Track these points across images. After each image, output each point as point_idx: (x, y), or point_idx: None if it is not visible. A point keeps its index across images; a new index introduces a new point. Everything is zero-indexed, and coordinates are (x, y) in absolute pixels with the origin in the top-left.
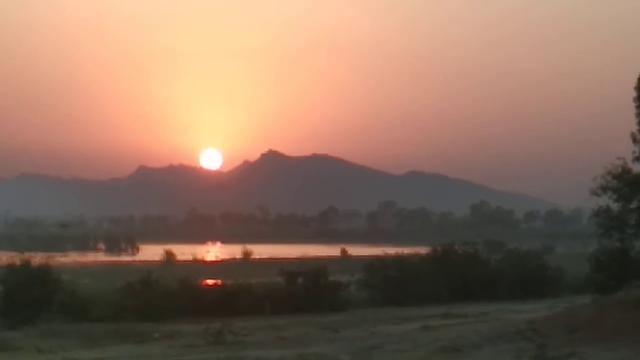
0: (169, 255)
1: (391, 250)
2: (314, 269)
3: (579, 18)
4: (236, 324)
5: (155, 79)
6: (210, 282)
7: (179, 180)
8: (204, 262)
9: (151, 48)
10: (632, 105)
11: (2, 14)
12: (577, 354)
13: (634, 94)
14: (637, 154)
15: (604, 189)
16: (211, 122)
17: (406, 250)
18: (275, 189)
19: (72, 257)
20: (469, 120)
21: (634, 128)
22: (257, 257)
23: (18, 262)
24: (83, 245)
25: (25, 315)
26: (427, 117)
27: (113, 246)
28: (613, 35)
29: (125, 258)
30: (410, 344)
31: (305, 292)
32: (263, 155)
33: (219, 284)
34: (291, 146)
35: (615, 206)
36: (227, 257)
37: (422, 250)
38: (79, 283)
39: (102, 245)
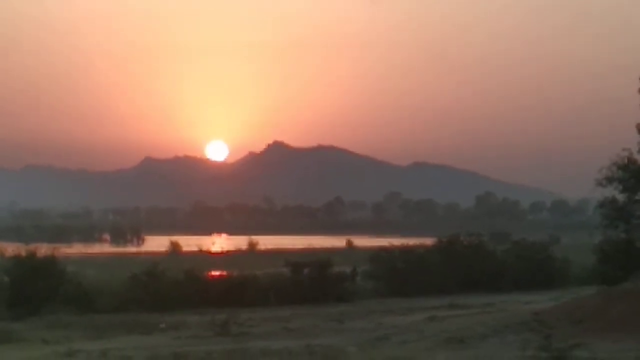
0: (175, 246)
1: (397, 242)
2: (320, 260)
3: (582, 9)
4: (242, 315)
5: (161, 71)
6: (216, 273)
7: (185, 171)
8: (209, 253)
9: (157, 42)
10: (638, 96)
11: (11, 8)
12: (583, 344)
13: (639, 84)
14: None
15: (610, 180)
16: (216, 113)
17: (412, 242)
18: (281, 180)
19: (77, 248)
20: (474, 111)
21: None
22: (263, 248)
23: (23, 253)
24: (89, 236)
25: (31, 306)
26: (432, 108)
27: (119, 237)
28: (616, 27)
29: (130, 249)
30: (416, 335)
31: (311, 283)
32: (268, 147)
33: (225, 275)
34: (296, 137)
35: (620, 197)
36: (232, 248)
37: (428, 241)
38: (85, 274)
39: (107, 237)
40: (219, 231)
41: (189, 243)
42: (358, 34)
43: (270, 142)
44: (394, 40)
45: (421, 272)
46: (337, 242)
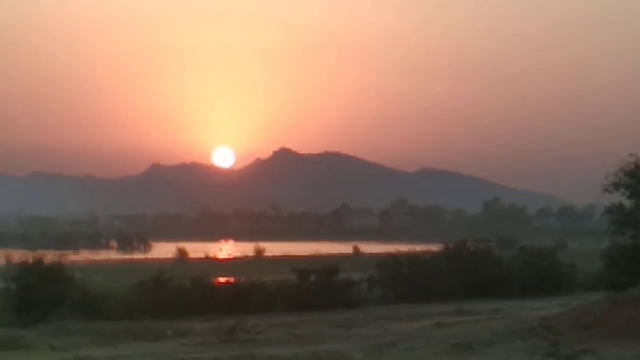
0: (182, 253)
1: (404, 248)
2: (327, 266)
3: (593, 19)
4: (249, 321)
5: (168, 77)
6: (222, 279)
7: (192, 178)
8: (216, 260)
9: (164, 46)
10: None
11: (13, 14)
12: (590, 350)
13: None
14: None
15: (617, 185)
16: (223, 120)
17: (419, 248)
18: (288, 186)
19: (84, 255)
20: (482, 118)
21: None
22: (270, 254)
23: (30, 260)
24: (95, 243)
25: (38, 313)
26: (440, 115)
27: (125, 244)
28: (627, 37)
29: (137, 256)
30: (423, 341)
31: (318, 290)
32: (275, 153)
33: (232, 281)
34: (303, 144)
35: (627, 203)
36: (239, 254)
37: (435, 247)
38: (92, 281)
39: (114, 243)
40: (226, 237)
41: (196, 249)
42: (366, 40)
43: (277, 148)
44: (402, 47)
45: (428, 278)
46: (343, 248)
